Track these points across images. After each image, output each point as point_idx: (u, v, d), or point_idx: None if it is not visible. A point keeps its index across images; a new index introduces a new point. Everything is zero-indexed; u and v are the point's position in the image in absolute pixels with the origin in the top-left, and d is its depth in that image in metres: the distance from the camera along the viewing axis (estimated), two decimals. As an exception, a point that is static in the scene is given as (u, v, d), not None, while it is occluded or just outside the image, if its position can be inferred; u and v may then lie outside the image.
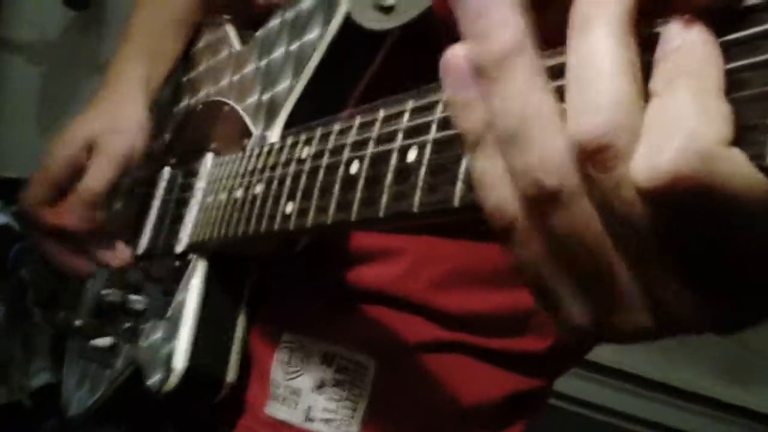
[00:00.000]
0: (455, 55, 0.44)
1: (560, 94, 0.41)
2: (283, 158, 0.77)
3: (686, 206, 0.36)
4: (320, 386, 0.92)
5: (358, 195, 0.62)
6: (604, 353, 2.29)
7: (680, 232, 0.37)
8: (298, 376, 0.92)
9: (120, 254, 1.10)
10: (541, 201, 0.41)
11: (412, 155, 0.56)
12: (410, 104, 0.59)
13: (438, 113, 0.55)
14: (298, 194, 0.72)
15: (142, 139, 1.10)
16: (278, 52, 0.92)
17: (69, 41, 3.06)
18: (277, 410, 0.93)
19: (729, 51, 0.36)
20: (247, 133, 0.93)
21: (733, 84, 0.36)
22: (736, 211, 0.35)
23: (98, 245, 1.10)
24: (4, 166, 2.71)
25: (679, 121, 0.35)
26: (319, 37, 0.85)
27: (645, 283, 0.40)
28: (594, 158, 0.38)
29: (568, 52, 0.40)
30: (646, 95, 0.38)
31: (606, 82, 0.38)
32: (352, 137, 0.65)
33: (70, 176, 1.07)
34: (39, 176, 1.09)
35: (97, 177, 1.06)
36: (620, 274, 0.41)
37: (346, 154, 0.65)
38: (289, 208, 0.73)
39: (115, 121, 1.09)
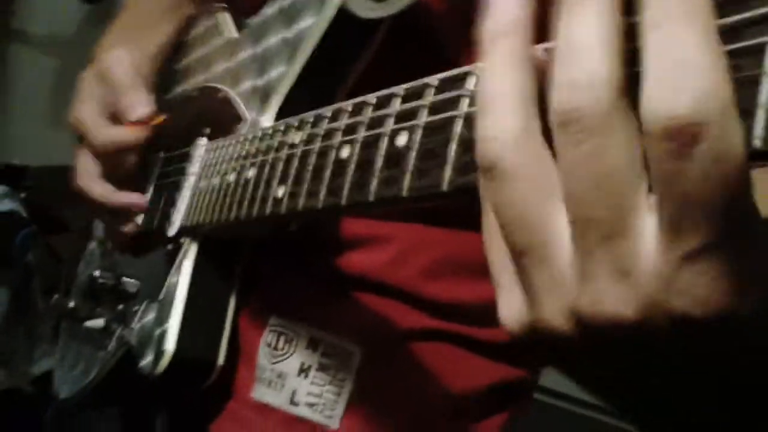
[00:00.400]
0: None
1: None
2: (275, 143, 0.78)
3: (685, 155, 0.35)
4: (305, 370, 0.92)
5: (349, 179, 0.62)
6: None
7: (671, 176, 0.36)
8: (284, 360, 0.93)
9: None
10: (484, 171, 0.42)
11: (402, 140, 0.57)
12: (401, 89, 0.59)
13: (428, 98, 0.55)
14: (290, 178, 0.72)
15: (137, 52, 1.10)
16: (273, 39, 0.93)
17: (82, 34, 3.08)
18: (263, 394, 0.93)
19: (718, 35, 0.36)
20: (241, 119, 0.93)
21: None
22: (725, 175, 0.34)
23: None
24: (14, 154, 2.72)
25: (694, 63, 0.34)
26: (314, 25, 0.85)
27: (578, 269, 0.40)
28: (566, 130, 0.39)
29: (557, 25, 0.41)
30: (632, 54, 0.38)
31: (586, 57, 0.38)
32: (343, 122, 0.66)
33: (106, 101, 1.07)
34: (87, 117, 1.08)
35: (122, 71, 1.06)
36: (553, 259, 0.41)
37: (337, 138, 0.66)
38: (281, 192, 0.73)
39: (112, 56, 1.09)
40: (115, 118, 1.06)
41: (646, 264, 0.37)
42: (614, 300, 0.38)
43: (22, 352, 2.11)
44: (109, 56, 1.08)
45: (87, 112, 1.06)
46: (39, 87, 3.12)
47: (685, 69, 0.34)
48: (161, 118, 1.06)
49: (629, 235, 0.38)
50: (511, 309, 0.44)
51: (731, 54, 0.35)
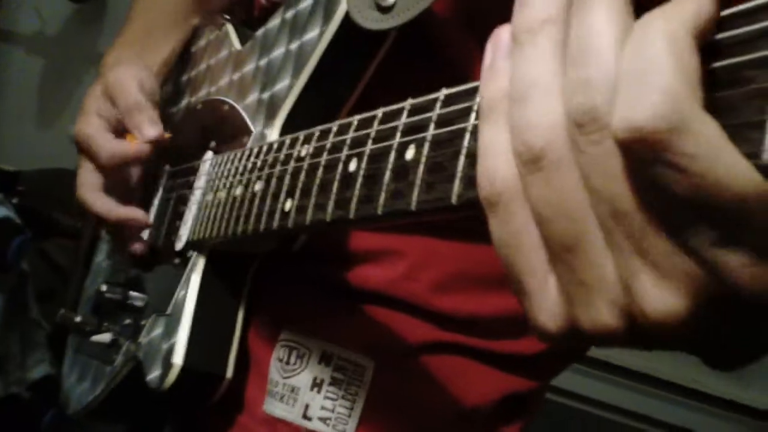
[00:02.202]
0: (503, 28, 0.46)
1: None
2: (282, 156, 0.77)
3: (659, 165, 0.36)
4: (318, 385, 0.92)
5: (357, 193, 0.62)
6: (603, 349, 2.29)
7: (651, 194, 0.37)
8: (296, 375, 0.93)
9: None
10: (528, 162, 0.42)
11: (410, 153, 0.56)
12: (408, 103, 0.59)
13: (436, 111, 0.55)
14: (297, 192, 0.72)
15: (144, 71, 1.10)
16: (278, 51, 0.93)
17: (69, 34, 3.07)
18: (274, 408, 0.93)
19: (728, 48, 0.36)
20: (247, 132, 0.93)
21: (725, 81, 0.36)
22: (706, 179, 0.35)
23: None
24: (3, 158, 2.71)
25: (654, 71, 0.35)
26: (319, 37, 0.85)
27: (618, 267, 0.40)
28: (584, 129, 0.39)
29: (569, 27, 0.41)
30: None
31: (597, 56, 0.39)
32: (350, 135, 0.66)
33: (113, 118, 1.07)
34: (94, 134, 1.07)
35: (130, 90, 1.06)
36: (594, 253, 0.41)
37: (344, 151, 0.66)
38: (288, 205, 0.73)
39: (119, 70, 1.09)
40: (120, 133, 1.06)
41: (686, 259, 0.38)
42: (662, 297, 0.39)
43: (16, 358, 2.11)
44: (116, 73, 1.08)
45: (92, 125, 1.06)
46: (26, 87, 3.11)
47: (646, 79, 0.36)
48: (167, 135, 1.06)
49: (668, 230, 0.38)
50: (547, 311, 0.44)
51: (743, 66, 0.35)
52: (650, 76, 0.35)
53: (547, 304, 0.44)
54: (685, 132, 0.34)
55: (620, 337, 0.41)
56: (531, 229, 0.43)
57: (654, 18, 0.37)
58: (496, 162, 0.44)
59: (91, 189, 1.08)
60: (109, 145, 1.05)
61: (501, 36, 0.46)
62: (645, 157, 0.36)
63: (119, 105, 1.06)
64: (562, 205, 0.41)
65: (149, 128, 1.04)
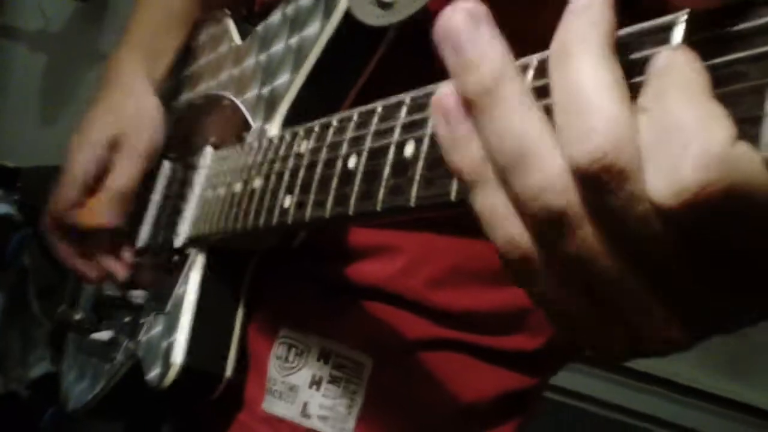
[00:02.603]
0: (443, 93, 0.44)
1: (548, 112, 0.41)
2: (281, 152, 0.77)
3: (714, 214, 0.35)
4: (317, 383, 0.92)
5: (356, 189, 0.62)
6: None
7: (707, 239, 0.37)
8: (295, 373, 0.92)
9: (122, 265, 1.10)
10: (551, 224, 0.40)
11: (409, 149, 0.56)
12: (408, 99, 0.59)
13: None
14: (297, 188, 0.72)
15: (161, 129, 1.10)
16: (278, 47, 0.93)
17: (71, 31, 3.07)
18: (273, 406, 0.93)
19: (721, 44, 0.36)
20: (247, 127, 0.93)
21: (724, 77, 0.36)
22: (760, 206, 0.35)
23: (105, 249, 1.11)
24: (4, 155, 2.71)
25: (684, 131, 0.35)
26: (319, 32, 0.85)
27: (667, 297, 0.40)
28: (599, 180, 0.38)
29: (551, 83, 0.40)
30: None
31: (596, 103, 0.38)
32: (350, 132, 0.65)
33: (98, 177, 1.07)
34: (67, 180, 1.08)
35: (126, 175, 1.06)
36: (640, 293, 0.40)
37: (344, 148, 0.65)
38: (288, 202, 0.73)
39: (133, 116, 1.09)
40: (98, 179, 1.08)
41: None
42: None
43: (16, 355, 2.11)
44: (131, 126, 1.08)
45: (75, 172, 1.08)
46: (29, 84, 3.11)
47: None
48: (112, 224, 1.07)
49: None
50: (615, 349, 0.44)
51: (738, 62, 0.35)
52: (684, 139, 0.35)
53: (606, 337, 0.44)
54: (727, 184, 0.34)
55: (685, 344, 0.42)
56: (567, 284, 0.43)
57: (669, 88, 0.36)
58: (509, 226, 0.43)
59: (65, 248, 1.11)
60: (71, 215, 1.08)
61: (444, 103, 0.44)
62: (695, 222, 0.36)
63: (114, 172, 1.07)
64: (596, 257, 0.40)
65: (108, 217, 1.06)
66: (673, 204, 0.35)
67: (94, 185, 1.07)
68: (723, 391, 2.72)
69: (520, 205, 0.41)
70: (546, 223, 0.41)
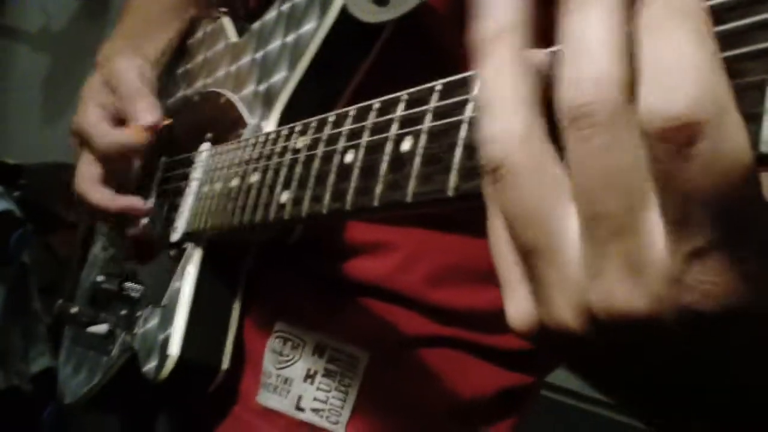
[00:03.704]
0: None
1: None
2: (278, 147, 0.78)
3: (684, 155, 0.35)
4: (311, 376, 0.92)
5: (353, 184, 0.62)
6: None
7: (672, 176, 0.36)
8: (289, 366, 0.93)
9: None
10: (490, 171, 0.42)
11: (406, 145, 0.56)
12: (405, 93, 0.59)
13: (432, 103, 0.55)
14: (294, 183, 0.72)
15: (145, 64, 1.11)
16: (275, 44, 0.93)
17: (74, 30, 3.08)
18: (268, 399, 0.93)
19: (720, 40, 0.36)
20: (243, 123, 0.93)
21: (728, 72, 0.35)
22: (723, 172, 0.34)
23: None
24: (7, 151, 2.72)
25: (688, 64, 0.35)
26: (315, 29, 0.85)
27: (586, 266, 0.40)
28: (577, 124, 0.39)
29: (562, 24, 0.41)
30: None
31: (594, 56, 0.38)
32: (347, 127, 0.66)
33: (113, 106, 1.08)
34: (93, 123, 1.08)
35: (130, 79, 1.07)
36: (561, 256, 0.41)
37: (341, 143, 0.66)
38: (285, 197, 0.73)
39: (120, 68, 1.10)
40: (119, 123, 1.07)
41: (655, 259, 0.37)
42: (625, 295, 0.38)
43: (18, 351, 2.11)
44: (115, 64, 1.08)
45: (91, 117, 1.07)
46: (31, 83, 3.12)
47: (679, 69, 0.35)
48: (168, 121, 1.06)
49: (639, 231, 0.38)
50: (519, 308, 0.44)
51: (737, 58, 0.35)
52: (684, 66, 0.35)
53: (518, 300, 0.44)
54: (721, 123, 0.34)
55: (579, 338, 0.41)
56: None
57: (666, 15, 0.36)
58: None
59: (89, 180, 1.08)
60: (108, 134, 1.05)
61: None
62: (666, 150, 0.35)
63: (119, 93, 1.06)
64: (527, 212, 0.41)
65: (149, 114, 1.04)
66: (664, 125, 0.35)
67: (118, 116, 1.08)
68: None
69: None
70: (487, 172, 0.42)
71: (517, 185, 0.41)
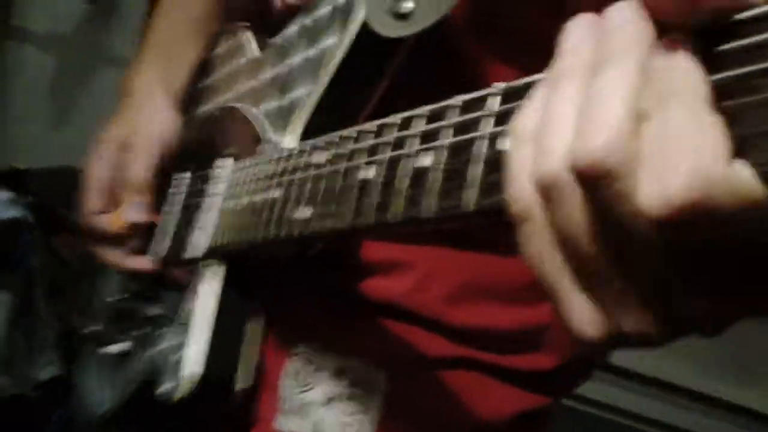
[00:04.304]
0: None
1: None
2: (300, 163, 0.78)
3: (698, 229, 0.37)
4: (331, 400, 0.91)
5: (375, 199, 0.62)
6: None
7: (689, 249, 0.38)
8: (308, 390, 0.92)
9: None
10: (546, 189, 0.43)
11: (427, 160, 0.57)
12: (426, 109, 0.59)
13: (453, 119, 0.55)
14: (316, 199, 0.72)
15: (173, 130, 1.12)
16: (296, 59, 0.93)
17: (82, 33, 3.08)
18: (286, 423, 0.92)
19: (732, 57, 0.36)
20: (266, 138, 0.93)
21: (735, 91, 0.36)
22: (744, 223, 0.36)
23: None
24: (15, 157, 2.72)
25: (680, 143, 0.36)
26: (337, 44, 0.85)
27: (646, 292, 0.41)
28: (590, 176, 0.40)
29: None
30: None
31: (609, 115, 0.39)
32: (368, 143, 0.66)
33: (116, 179, 1.09)
34: (87, 189, 1.10)
35: (141, 164, 1.08)
36: (618, 284, 0.42)
37: (362, 158, 0.66)
38: (307, 212, 0.73)
39: (145, 121, 1.11)
40: (115, 189, 1.10)
41: None
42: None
43: (23, 357, 2.12)
44: (140, 128, 1.10)
45: (92, 181, 1.10)
46: (38, 86, 3.13)
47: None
48: (147, 221, 1.09)
49: None
50: (585, 320, 0.44)
51: (750, 76, 0.36)
52: (676, 152, 0.37)
53: (584, 314, 0.44)
54: (714, 203, 0.36)
55: (655, 340, 0.43)
56: (554, 249, 0.44)
57: (671, 96, 0.38)
58: (521, 181, 0.45)
59: (95, 236, 1.12)
60: (90, 217, 1.10)
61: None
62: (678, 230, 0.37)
63: (125, 174, 1.08)
64: (579, 235, 0.42)
65: (136, 214, 1.08)
66: (659, 214, 0.37)
67: (115, 191, 1.09)
68: (728, 395, 2.71)
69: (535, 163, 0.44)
70: (544, 187, 0.43)
71: (574, 211, 0.42)
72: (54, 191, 2.39)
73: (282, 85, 0.94)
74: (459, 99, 0.56)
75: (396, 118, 0.63)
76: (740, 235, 0.37)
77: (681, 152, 0.36)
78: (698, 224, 0.36)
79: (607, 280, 0.42)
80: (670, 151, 0.37)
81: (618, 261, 0.41)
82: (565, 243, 0.43)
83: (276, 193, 0.81)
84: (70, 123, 3.04)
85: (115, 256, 1.10)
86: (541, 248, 0.45)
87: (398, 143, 0.61)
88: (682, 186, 0.36)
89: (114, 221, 1.08)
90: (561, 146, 0.42)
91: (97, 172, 1.09)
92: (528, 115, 0.47)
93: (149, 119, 1.11)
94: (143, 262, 1.10)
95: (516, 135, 0.47)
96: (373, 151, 0.65)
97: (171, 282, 1.05)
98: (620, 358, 2.64)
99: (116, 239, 1.10)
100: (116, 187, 1.09)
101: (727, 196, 0.35)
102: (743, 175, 0.35)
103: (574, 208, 0.42)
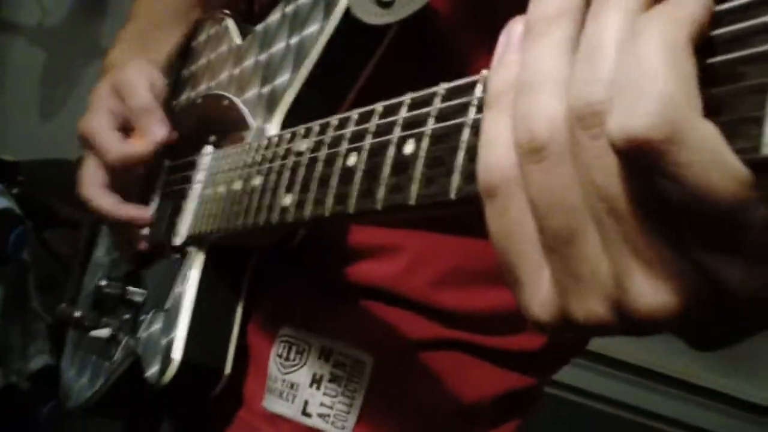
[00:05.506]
0: (518, 20, 0.46)
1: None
2: (281, 151, 0.77)
3: (654, 170, 0.36)
4: (317, 381, 0.92)
5: (356, 187, 0.62)
6: (598, 341, 2.29)
7: (656, 186, 0.37)
8: (295, 371, 0.93)
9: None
10: (530, 152, 0.42)
11: (409, 148, 0.56)
12: (408, 97, 0.59)
13: (435, 105, 0.55)
14: (296, 186, 0.72)
15: (156, 71, 1.10)
16: (278, 46, 0.93)
17: (71, 25, 3.08)
18: (274, 404, 0.93)
19: (721, 44, 0.36)
20: (246, 126, 0.93)
21: (724, 77, 0.36)
22: (698, 186, 0.35)
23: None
24: (4, 149, 2.71)
25: (650, 78, 0.36)
26: (319, 31, 0.85)
27: (612, 263, 0.40)
28: (584, 123, 0.39)
29: (584, 24, 0.42)
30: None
31: (608, 58, 0.39)
32: (350, 130, 0.66)
33: (121, 114, 1.07)
34: (98, 136, 1.07)
35: (141, 89, 1.06)
36: (589, 248, 0.41)
37: (344, 146, 0.66)
38: (288, 200, 0.73)
39: (125, 68, 1.09)
40: (127, 131, 1.06)
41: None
42: (657, 294, 0.39)
43: (17, 349, 2.11)
44: (127, 72, 1.08)
45: (99, 123, 1.06)
46: (28, 79, 3.12)
47: (642, 87, 0.36)
48: (174, 135, 1.06)
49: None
50: (540, 302, 0.44)
51: (738, 62, 0.35)
52: (646, 83, 0.36)
53: (540, 294, 0.44)
54: (679, 142, 0.35)
55: (611, 327, 0.42)
56: (527, 219, 0.43)
57: (651, 22, 0.37)
58: (497, 151, 0.44)
59: (95, 186, 1.07)
60: (118, 147, 1.05)
61: (515, 28, 0.46)
62: (639, 164, 0.36)
63: (130, 104, 1.06)
64: (560, 198, 0.41)
65: (159, 131, 1.04)
66: (620, 146, 0.36)
67: (126, 127, 1.07)
68: (723, 387, 2.73)
69: (513, 129, 0.43)
70: (525, 149, 0.42)
71: (560, 167, 0.41)
72: (44, 183, 2.39)
73: (264, 72, 0.94)
74: (443, 87, 0.55)
75: (378, 105, 0.63)
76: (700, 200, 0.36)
77: (649, 90, 0.36)
78: (657, 169, 0.36)
79: (576, 246, 0.41)
80: (639, 86, 0.36)
81: (599, 226, 0.40)
82: (546, 209, 0.42)
83: (257, 181, 0.80)
84: (59, 115, 3.04)
85: (109, 204, 1.07)
86: (511, 221, 0.44)
87: (380, 130, 0.61)
88: (644, 123, 0.35)
89: (144, 144, 1.05)
90: (550, 105, 0.41)
91: (99, 119, 1.07)
92: (502, 73, 0.46)
93: (134, 66, 1.09)
94: (137, 211, 1.08)
95: (491, 96, 0.46)
96: (354, 138, 0.64)
97: (156, 267, 1.05)
98: (607, 346, 2.66)
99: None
100: (124, 122, 1.07)
101: (687, 147, 0.35)
102: (710, 130, 0.35)
103: (564, 170, 0.41)
